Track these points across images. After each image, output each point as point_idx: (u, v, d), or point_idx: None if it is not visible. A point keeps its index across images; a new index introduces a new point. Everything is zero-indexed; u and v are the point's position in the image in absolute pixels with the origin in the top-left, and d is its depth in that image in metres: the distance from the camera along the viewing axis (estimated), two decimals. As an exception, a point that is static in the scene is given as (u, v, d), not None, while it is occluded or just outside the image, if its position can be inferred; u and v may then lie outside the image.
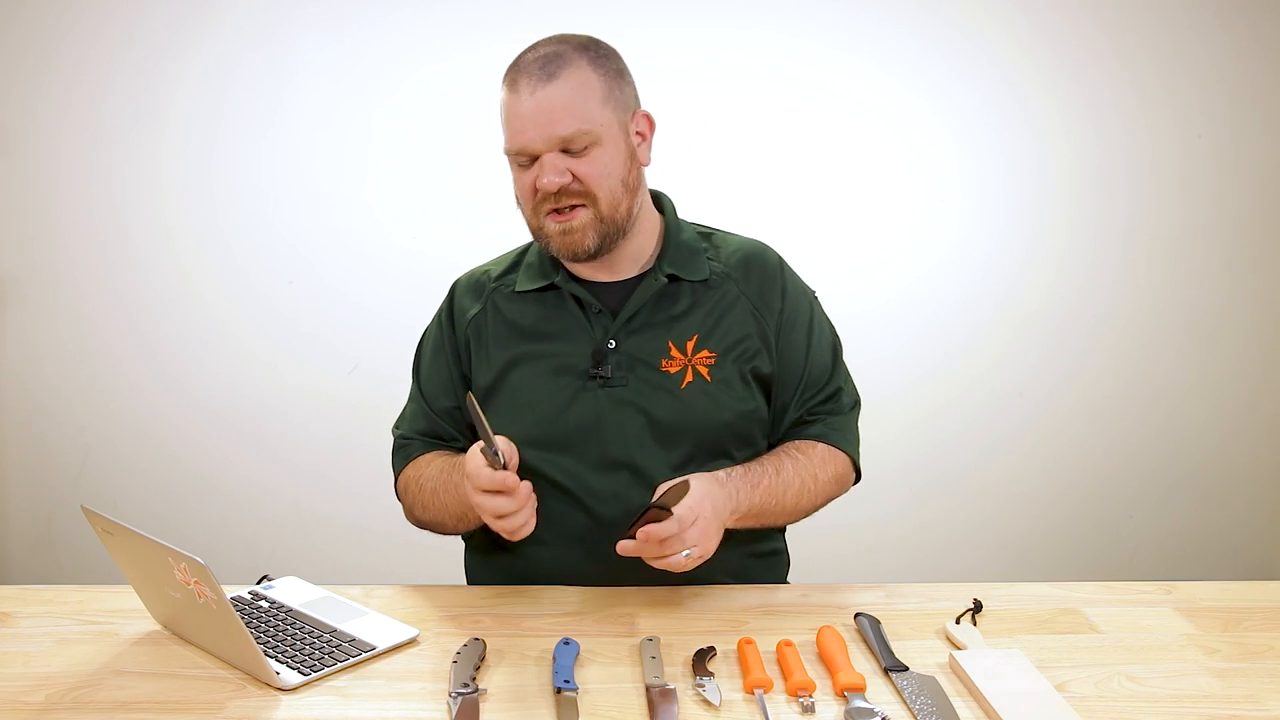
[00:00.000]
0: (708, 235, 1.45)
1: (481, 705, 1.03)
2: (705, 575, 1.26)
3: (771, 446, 1.42)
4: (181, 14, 2.49)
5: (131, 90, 2.51)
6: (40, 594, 1.32)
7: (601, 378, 1.34)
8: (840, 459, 1.42)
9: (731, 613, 1.26)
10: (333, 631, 1.19)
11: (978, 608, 1.24)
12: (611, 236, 1.31)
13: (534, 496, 1.23)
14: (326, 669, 1.10)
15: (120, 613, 1.25)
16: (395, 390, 1.56)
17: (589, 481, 1.33)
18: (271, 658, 1.12)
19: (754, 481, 1.29)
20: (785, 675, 1.08)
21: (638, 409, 1.33)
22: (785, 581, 1.49)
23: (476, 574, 1.48)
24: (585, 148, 1.26)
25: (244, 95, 2.52)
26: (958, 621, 1.21)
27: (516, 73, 1.27)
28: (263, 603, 1.27)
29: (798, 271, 1.49)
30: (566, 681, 1.05)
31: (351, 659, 1.12)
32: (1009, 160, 2.57)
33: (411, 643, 1.18)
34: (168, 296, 2.59)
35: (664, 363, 1.34)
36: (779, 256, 1.46)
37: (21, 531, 2.69)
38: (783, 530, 1.49)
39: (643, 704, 1.03)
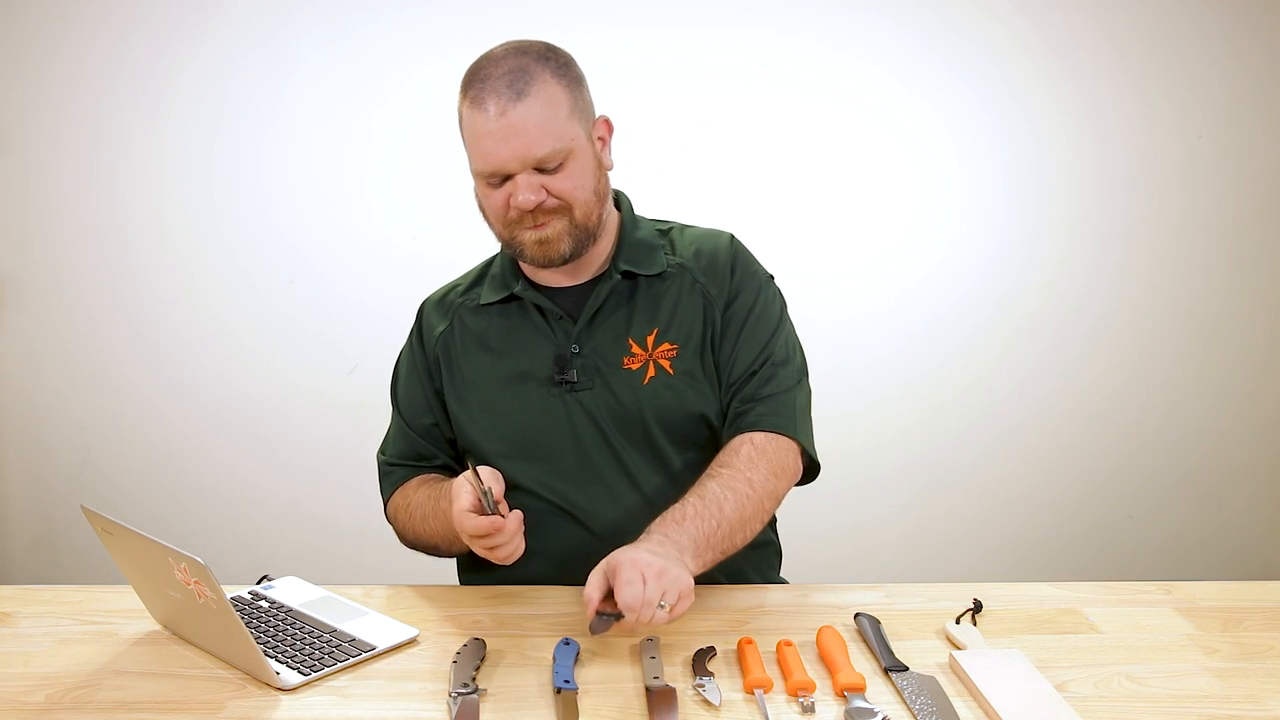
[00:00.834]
0: (666, 230, 1.44)
1: (481, 705, 1.03)
2: (703, 575, 1.26)
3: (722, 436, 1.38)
4: (181, 14, 2.49)
5: (131, 90, 2.51)
6: (40, 594, 1.32)
7: (567, 383, 1.34)
8: (775, 446, 1.31)
9: (731, 613, 1.26)
10: (333, 631, 1.19)
11: (978, 608, 1.24)
12: (584, 242, 1.31)
13: (522, 525, 1.23)
14: (326, 669, 1.10)
15: (120, 613, 1.25)
16: (395, 390, 1.56)
17: (568, 488, 1.34)
18: (271, 658, 1.12)
19: (678, 518, 1.20)
20: (785, 675, 1.08)
21: (605, 409, 1.34)
22: (778, 572, 1.49)
23: (468, 584, 1.48)
24: (559, 165, 1.25)
25: (244, 95, 2.52)
26: (958, 621, 1.21)
27: (481, 89, 1.23)
28: (263, 603, 1.27)
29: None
30: (566, 681, 1.05)
31: (351, 659, 1.12)
32: (1009, 160, 2.57)
33: (411, 643, 1.18)
34: (168, 296, 2.59)
35: (625, 360, 1.34)
36: (732, 240, 1.43)
37: (21, 531, 2.69)
38: (773, 521, 1.48)
39: (643, 704, 1.03)
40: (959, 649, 1.14)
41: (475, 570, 1.46)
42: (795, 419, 1.34)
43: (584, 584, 1.14)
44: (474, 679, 1.07)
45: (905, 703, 1.03)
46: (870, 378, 2.63)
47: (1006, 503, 2.70)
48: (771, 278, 1.43)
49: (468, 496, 1.20)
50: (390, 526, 1.48)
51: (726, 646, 1.15)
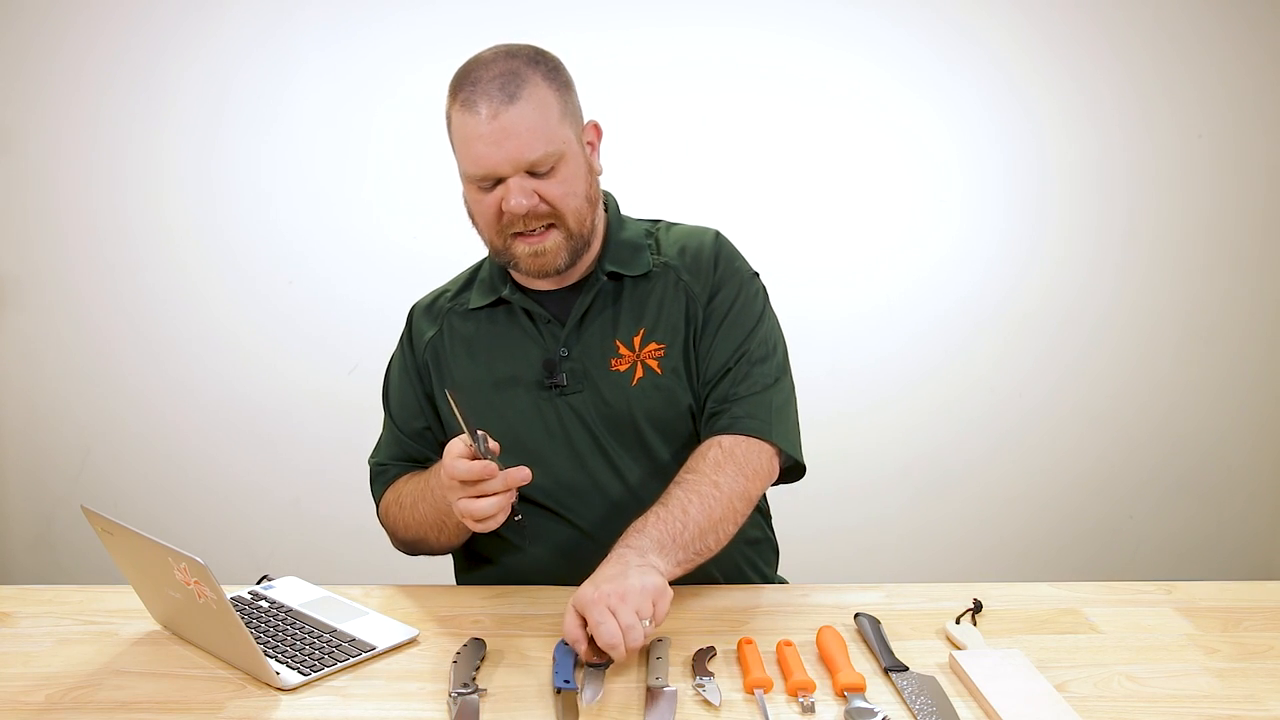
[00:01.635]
0: (653, 230, 1.43)
1: (481, 705, 1.03)
2: (700, 574, 1.26)
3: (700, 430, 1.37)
4: (182, 14, 2.49)
5: (131, 90, 2.52)
6: (40, 594, 1.32)
7: (557, 387, 1.34)
8: (745, 449, 1.29)
9: (731, 613, 1.26)
10: (333, 631, 1.19)
11: (978, 608, 1.24)
12: (579, 252, 1.31)
13: (513, 493, 1.19)
14: (326, 669, 1.10)
15: (120, 613, 1.25)
16: (395, 390, 1.56)
17: (560, 490, 1.34)
18: (271, 658, 1.12)
19: (639, 526, 1.19)
20: (785, 675, 1.08)
21: (595, 412, 1.33)
22: (776, 569, 1.49)
23: (465, 584, 1.48)
24: (550, 169, 1.24)
25: (245, 95, 2.52)
26: (958, 621, 1.21)
27: (472, 92, 1.22)
28: (263, 603, 1.27)
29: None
30: (566, 681, 1.05)
31: (351, 659, 1.12)
32: (1009, 160, 2.57)
33: (411, 643, 1.18)
34: (168, 296, 2.59)
35: (613, 361, 1.34)
36: (717, 236, 1.42)
37: (21, 531, 2.69)
38: (768, 517, 1.48)
39: (643, 704, 1.03)
40: (959, 649, 1.14)
41: (465, 570, 1.46)
42: (770, 420, 1.31)
43: (578, 584, 1.13)
44: (474, 679, 1.07)
45: (905, 703, 1.03)
46: (870, 378, 2.63)
47: (1006, 503, 2.70)
48: (756, 274, 1.42)
49: (461, 445, 1.19)
50: (385, 529, 1.47)
51: (726, 646, 1.15)
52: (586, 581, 1.12)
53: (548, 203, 1.25)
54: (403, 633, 1.18)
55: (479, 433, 1.18)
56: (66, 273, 2.58)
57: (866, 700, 1.03)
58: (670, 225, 1.45)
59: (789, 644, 1.13)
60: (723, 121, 2.53)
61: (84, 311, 2.59)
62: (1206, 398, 2.68)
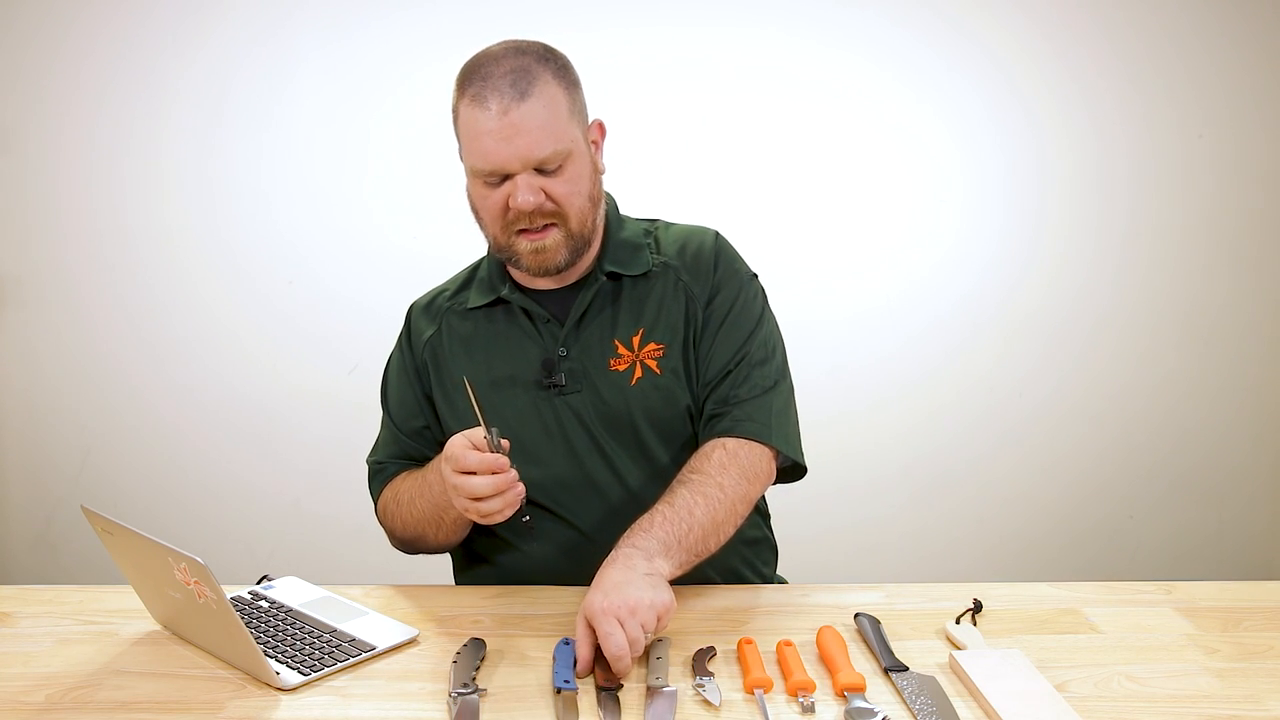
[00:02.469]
0: (651, 229, 1.43)
1: (481, 705, 1.03)
2: (697, 575, 1.26)
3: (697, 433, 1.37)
4: (181, 14, 2.49)
5: (131, 90, 2.51)
6: (40, 594, 1.32)
7: (556, 386, 1.34)
8: (748, 451, 1.30)
9: (731, 613, 1.26)
10: (333, 631, 1.19)
11: (978, 608, 1.24)
12: (579, 250, 1.31)
13: (520, 487, 1.18)
14: (326, 669, 1.10)
15: (120, 613, 1.25)
16: (395, 390, 1.56)
17: (558, 490, 1.34)
18: (271, 658, 1.12)
19: (645, 525, 1.20)
20: (785, 675, 1.08)
21: (593, 411, 1.33)
22: (774, 569, 1.49)
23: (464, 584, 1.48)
24: (558, 167, 1.24)
25: (244, 95, 2.52)
26: (958, 621, 1.21)
27: (483, 87, 1.22)
28: (263, 603, 1.27)
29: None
30: (566, 681, 1.05)
31: (351, 659, 1.12)
32: (1009, 160, 2.57)
33: (411, 643, 1.18)
34: (168, 296, 2.59)
35: (612, 361, 1.34)
36: (717, 237, 1.42)
37: (21, 531, 2.69)
38: (766, 518, 1.48)
39: (643, 704, 1.03)
40: (959, 649, 1.14)
41: (463, 569, 1.46)
42: (770, 423, 1.32)
43: (577, 584, 1.14)
44: (474, 679, 1.07)
45: (905, 703, 1.03)
46: (870, 378, 2.63)
47: (1006, 503, 2.70)
48: (755, 276, 1.42)
49: (463, 439, 1.18)
50: (383, 528, 1.47)
51: (726, 646, 1.15)
52: (595, 587, 1.12)
53: (553, 200, 1.25)
54: (403, 633, 1.18)
55: (493, 428, 1.18)
56: (66, 272, 2.58)
57: (866, 700, 1.03)
58: (669, 224, 1.45)
59: (789, 644, 1.13)
60: (722, 121, 2.53)
61: (84, 311, 2.59)
62: (1206, 398, 2.68)
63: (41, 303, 2.60)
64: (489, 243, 1.34)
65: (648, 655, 1.12)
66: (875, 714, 1.00)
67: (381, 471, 1.46)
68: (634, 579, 1.12)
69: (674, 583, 1.18)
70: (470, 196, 1.31)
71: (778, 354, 1.39)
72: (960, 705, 1.03)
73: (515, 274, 1.38)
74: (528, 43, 1.28)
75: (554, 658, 1.11)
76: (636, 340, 1.35)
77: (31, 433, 2.65)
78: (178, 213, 2.56)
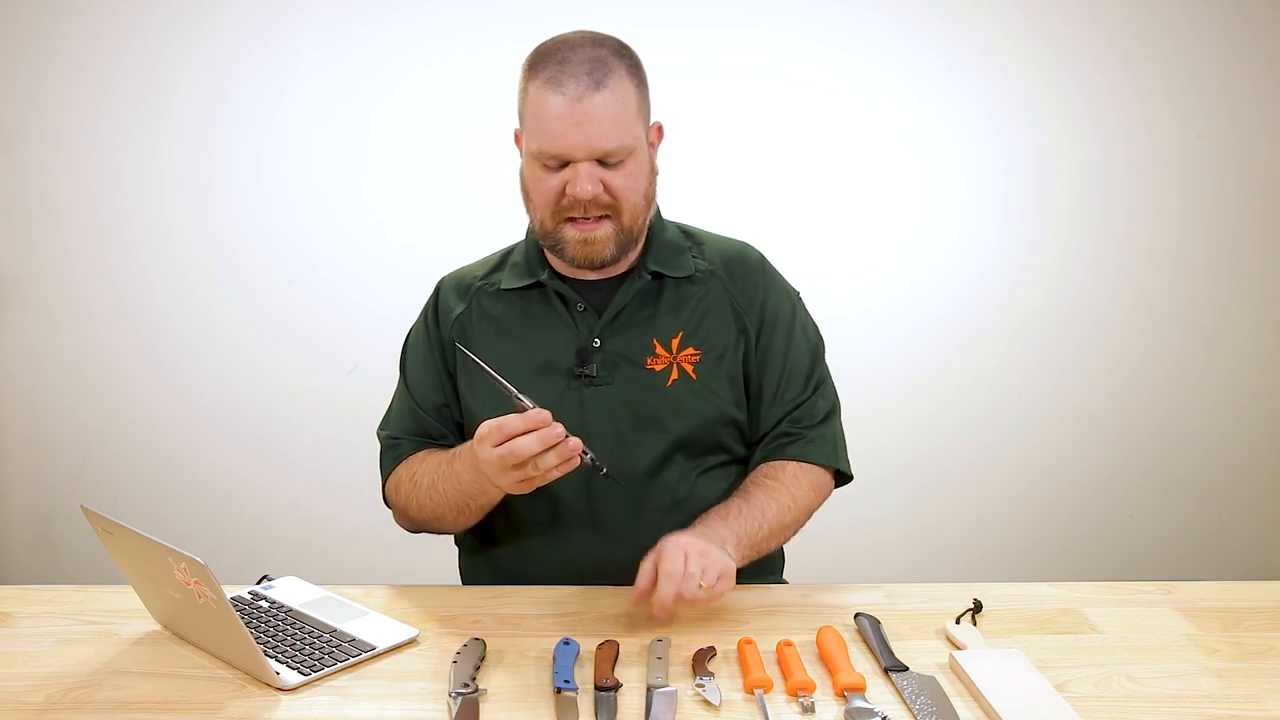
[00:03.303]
0: (690, 234, 1.45)
1: (481, 705, 1.03)
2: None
3: (750, 452, 1.42)
4: (182, 14, 2.49)
5: (131, 90, 2.51)
6: (40, 594, 1.32)
7: (586, 376, 1.34)
8: (814, 471, 1.40)
9: (731, 613, 1.26)
10: (333, 631, 1.19)
11: (978, 608, 1.24)
12: (627, 247, 1.32)
13: (574, 440, 1.13)
14: (326, 669, 1.10)
15: (120, 613, 1.25)
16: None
17: (576, 484, 1.32)
18: (271, 658, 1.12)
19: (722, 514, 1.29)
20: (785, 675, 1.08)
21: (623, 406, 1.33)
22: (781, 574, 1.49)
23: (470, 575, 1.47)
24: (620, 161, 1.25)
25: (244, 95, 2.52)
26: (958, 621, 1.21)
27: (559, 71, 1.22)
28: (263, 603, 1.27)
29: (800, 270, 1.49)
30: (566, 681, 1.05)
31: (351, 659, 1.12)
32: (1009, 160, 2.57)
33: (411, 643, 1.18)
34: (168, 296, 2.59)
35: (649, 360, 1.34)
36: (761, 256, 1.46)
37: (21, 531, 2.69)
38: None
39: (643, 704, 1.03)
40: (959, 649, 1.14)
41: (473, 551, 1.44)
42: (836, 447, 1.42)
43: (589, 584, 1.17)
44: (474, 679, 1.07)
45: (905, 703, 1.03)
46: (870, 377, 2.63)
47: (1006, 503, 2.70)
48: (799, 295, 1.47)
49: (495, 429, 1.14)
50: (388, 508, 1.44)
51: (726, 646, 1.15)
52: (674, 533, 1.19)
53: (611, 193, 1.26)
54: (403, 633, 1.18)
55: (523, 391, 1.15)
56: (66, 273, 2.58)
57: (866, 700, 1.03)
58: (708, 233, 1.47)
59: (789, 644, 1.13)
60: (722, 121, 2.53)
61: (84, 311, 2.59)
62: (1206, 398, 2.68)
63: (41, 303, 2.60)
64: (534, 227, 1.34)
65: (647, 655, 1.12)
66: (875, 714, 1.00)
67: (395, 447, 1.43)
68: (713, 543, 1.20)
69: None
70: (523, 178, 1.31)
71: (829, 373, 1.46)
72: (960, 705, 1.03)
73: (554, 261, 1.38)
74: (605, 35, 1.29)
75: (554, 658, 1.11)
76: (676, 342, 1.35)
77: (31, 433, 2.65)
78: (178, 213, 2.56)
